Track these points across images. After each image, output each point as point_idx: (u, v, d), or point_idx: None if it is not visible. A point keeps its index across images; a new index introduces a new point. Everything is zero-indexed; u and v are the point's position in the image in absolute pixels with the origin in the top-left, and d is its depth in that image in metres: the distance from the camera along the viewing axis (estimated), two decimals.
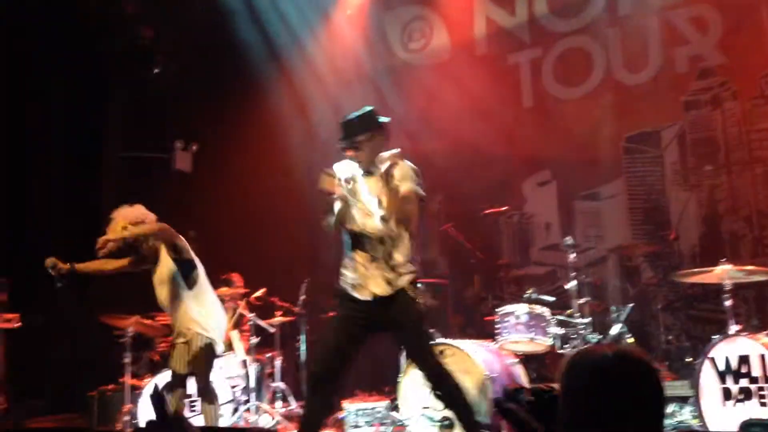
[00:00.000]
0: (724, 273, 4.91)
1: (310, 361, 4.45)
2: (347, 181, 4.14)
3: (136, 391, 6.09)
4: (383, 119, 4.17)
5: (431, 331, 4.17)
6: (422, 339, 4.17)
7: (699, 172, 7.11)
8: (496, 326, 5.64)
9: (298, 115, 8.76)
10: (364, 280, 4.06)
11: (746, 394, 4.49)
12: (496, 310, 5.77)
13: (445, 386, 4.12)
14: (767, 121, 6.93)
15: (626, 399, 1.90)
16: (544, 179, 8.07)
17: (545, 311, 5.62)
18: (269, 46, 8.66)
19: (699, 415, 4.65)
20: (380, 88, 8.62)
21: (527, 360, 5.74)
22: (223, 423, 6.10)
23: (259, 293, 7.01)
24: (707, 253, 6.68)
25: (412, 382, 5.28)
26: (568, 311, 5.74)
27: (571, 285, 5.71)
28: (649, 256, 7.05)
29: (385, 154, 4.14)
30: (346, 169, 4.18)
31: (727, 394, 4.57)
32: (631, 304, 5.97)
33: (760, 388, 4.44)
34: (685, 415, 4.96)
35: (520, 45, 8.38)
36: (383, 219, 4.05)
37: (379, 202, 4.06)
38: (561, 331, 5.62)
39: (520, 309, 5.60)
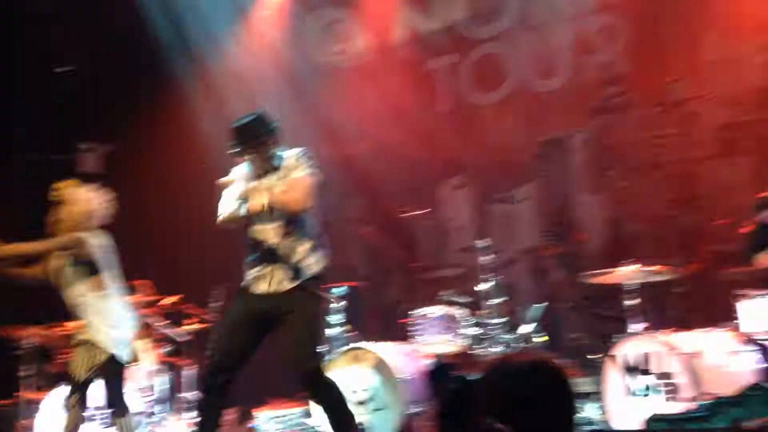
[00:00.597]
0: (627, 273, 5.14)
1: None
2: (246, 182, 4.20)
3: (32, 405, 5.82)
4: (274, 122, 4.22)
5: (320, 333, 4.20)
6: (309, 338, 4.15)
7: (605, 177, 7.41)
8: (412, 328, 5.72)
9: (216, 116, 8.60)
10: (266, 275, 4.12)
11: (647, 390, 4.70)
12: (412, 312, 5.84)
13: (322, 392, 4.16)
14: (667, 128, 7.28)
15: (539, 406, 2.02)
16: (460, 183, 8.24)
17: (460, 312, 5.74)
18: (186, 45, 8.50)
19: (603, 411, 4.84)
20: (300, 89, 8.59)
21: (442, 361, 5.82)
22: None
23: (172, 300, 6.85)
24: (612, 255, 6.95)
25: None
26: (482, 312, 5.87)
27: (485, 286, 5.84)
28: (558, 257, 7.28)
29: (288, 154, 4.20)
30: (245, 172, 4.24)
31: (629, 391, 4.77)
32: (542, 304, 6.15)
33: (660, 384, 4.65)
34: (590, 410, 5.14)
35: (437, 50, 8.52)
36: (281, 215, 4.13)
37: (281, 197, 4.13)
38: (475, 331, 5.74)
39: (435, 311, 5.70)
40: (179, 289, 6.92)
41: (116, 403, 4.72)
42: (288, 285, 4.10)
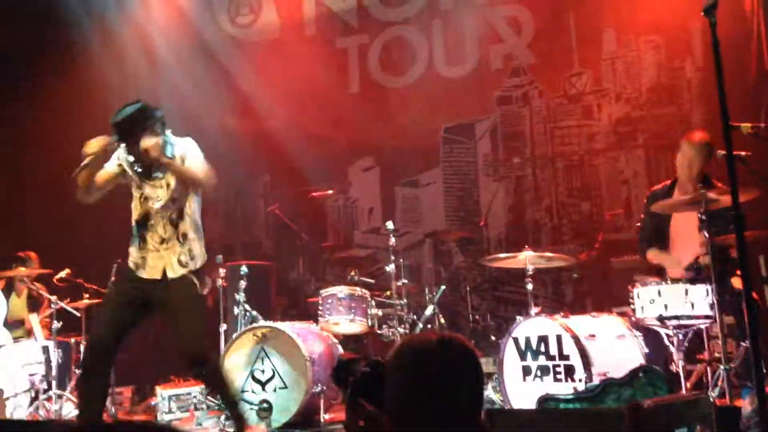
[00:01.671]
0: (526, 258, 5.32)
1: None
2: (132, 165, 4.19)
3: None
4: (157, 111, 4.18)
5: (204, 318, 4.25)
6: (196, 322, 4.19)
7: (508, 164, 7.65)
8: (319, 308, 5.72)
9: (118, 81, 8.21)
10: (154, 260, 4.13)
11: (543, 371, 4.91)
12: (319, 291, 5.85)
13: (208, 370, 4.26)
14: (569, 119, 7.58)
15: (448, 379, 2.05)
16: (369, 165, 8.28)
17: (366, 293, 5.78)
18: (89, 5, 8.05)
19: (501, 391, 5.02)
20: (210, 59, 8.34)
21: (347, 341, 5.88)
22: (19, 414, 5.69)
23: (63, 274, 6.55)
24: (512, 240, 7.22)
25: (231, 366, 5.23)
26: (387, 293, 5.94)
27: (390, 267, 5.92)
28: (460, 241, 7.48)
29: (177, 141, 4.19)
30: (120, 154, 4.23)
31: (527, 371, 4.96)
32: (443, 286, 6.30)
33: (556, 366, 4.86)
34: (489, 390, 5.32)
35: (348, 30, 8.48)
36: (173, 200, 4.16)
37: (167, 185, 4.16)
38: (380, 312, 5.81)
39: (342, 291, 5.72)
40: (74, 262, 6.63)
41: None
42: (173, 272, 4.09)
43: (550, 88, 7.68)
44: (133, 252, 4.20)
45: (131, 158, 4.16)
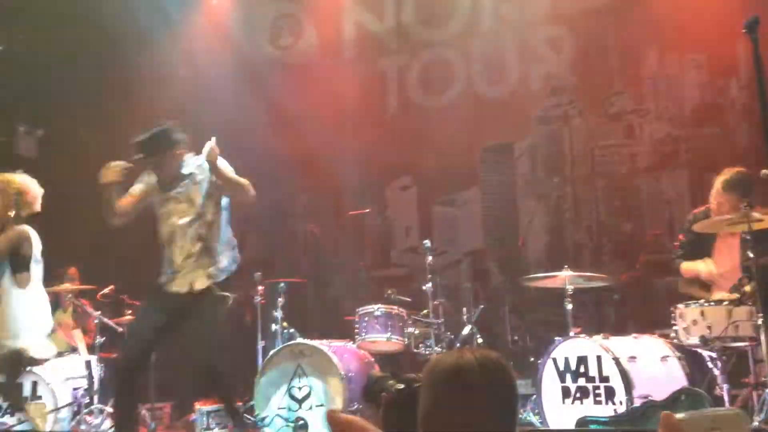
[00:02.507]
0: (566, 278, 5.26)
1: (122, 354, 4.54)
2: (159, 184, 4.35)
3: None
4: (179, 134, 4.29)
5: (223, 333, 4.30)
6: (216, 335, 4.22)
7: (547, 184, 7.59)
8: (355, 326, 5.73)
9: (163, 102, 8.39)
10: (183, 275, 4.22)
11: (583, 393, 4.83)
12: (356, 310, 5.85)
13: (219, 385, 4.33)
14: (609, 138, 7.51)
15: (482, 398, 2.02)
16: (406, 184, 8.30)
17: (402, 311, 5.77)
18: (133, 26, 8.26)
19: (540, 413, 4.95)
20: (251, 80, 8.49)
21: (384, 359, 5.86)
22: (61, 427, 5.78)
23: (106, 290, 6.69)
24: (552, 260, 7.13)
25: (269, 383, 5.26)
26: (424, 312, 5.92)
27: (428, 286, 5.89)
28: (499, 260, 7.42)
29: (199, 158, 4.28)
30: (151, 179, 4.39)
31: (566, 393, 4.89)
32: (481, 306, 6.25)
33: (596, 387, 4.78)
34: (527, 412, 5.25)
35: (387, 51, 8.56)
36: (199, 215, 4.25)
37: (191, 201, 4.28)
38: (417, 331, 5.79)
39: (378, 309, 5.71)
40: (117, 278, 6.76)
41: (10, 398, 4.58)
42: (201, 284, 4.15)
43: (590, 108, 7.63)
44: (164, 268, 4.28)
45: (154, 177, 4.29)
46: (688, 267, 5.01)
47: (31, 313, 4.62)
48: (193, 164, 4.32)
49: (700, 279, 4.97)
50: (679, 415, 2.22)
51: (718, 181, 4.81)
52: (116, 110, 8.20)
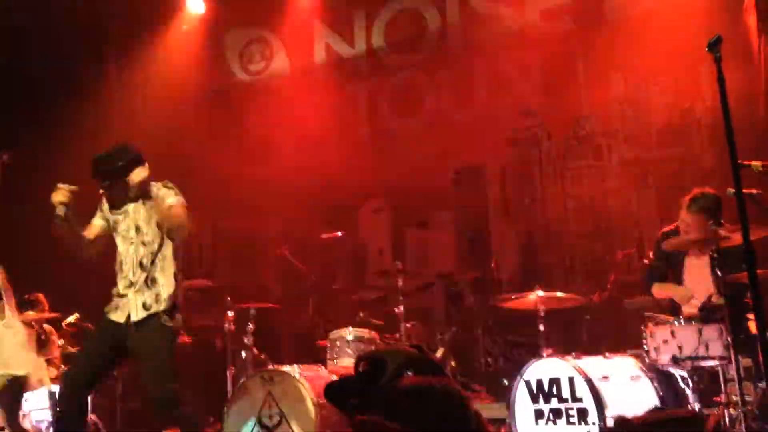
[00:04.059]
0: (537, 299, 5.26)
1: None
2: (110, 211, 4.30)
3: None
4: (135, 156, 4.26)
5: (173, 363, 4.21)
6: (161, 364, 4.15)
7: (518, 205, 7.63)
8: (327, 351, 5.66)
9: (131, 126, 8.31)
10: (122, 304, 4.17)
11: (556, 415, 4.80)
12: (328, 334, 5.79)
13: (177, 417, 4.17)
14: (579, 160, 7.58)
15: (440, 425, 1.97)
16: (378, 206, 8.30)
17: (374, 335, 5.72)
18: (99, 50, 8.21)
19: None
20: (220, 105, 8.48)
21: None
22: None
23: (71, 318, 6.55)
24: (524, 281, 7.15)
25: (238, 411, 5.16)
26: (396, 335, 5.88)
27: (400, 309, 5.86)
28: (471, 282, 7.41)
29: (153, 186, 4.25)
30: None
31: (539, 415, 4.86)
32: (453, 328, 6.22)
33: (569, 408, 4.76)
34: None
35: (357, 75, 8.61)
36: (143, 244, 4.21)
37: (137, 229, 4.23)
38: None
39: (350, 333, 5.66)
40: (81, 306, 6.63)
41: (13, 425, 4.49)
42: (136, 315, 4.10)
43: (559, 130, 7.70)
44: (112, 295, 4.24)
45: (106, 202, 4.24)
46: (661, 289, 5.03)
47: (17, 340, 4.54)
48: (147, 191, 4.26)
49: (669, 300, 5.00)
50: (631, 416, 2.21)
51: (685, 202, 4.86)
52: (83, 136, 8.11)
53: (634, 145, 7.41)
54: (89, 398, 4.23)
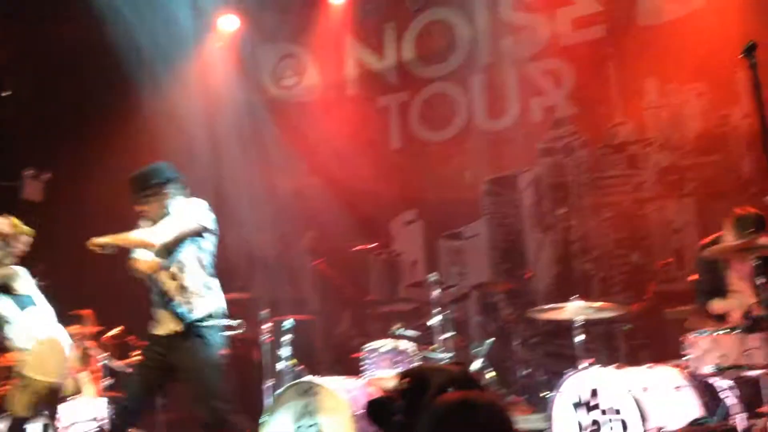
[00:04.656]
0: (575, 310, 5.21)
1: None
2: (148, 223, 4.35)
3: None
4: (170, 174, 4.34)
5: (215, 374, 4.21)
6: (207, 384, 4.15)
7: (553, 215, 7.57)
8: (363, 362, 5.67)
9: (167, 143, 8.43)
10: (161, 316, 4.23)
11: (596, 426, 4.74)
12: (363, 346, 5.79)
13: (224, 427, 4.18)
14: (614, 168, 7.50)
15: None
16: (411, 218, 8.31)
17: (410, 346, 5.71)
18: (136, 72, 8.35)
19: None
20: (254, 121, 8.57)
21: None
22: None
23: (114, 332, 6.65)
24: (560, 291, 7.08)
25: (277, 423, 5.19)
26: (432, 347, 5.86)
27: (435, 321, 5.85)
28: (507, 293, 7.37)
29: (177, 203, 4.30)
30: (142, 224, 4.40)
31: (579, 426, 4.80)
32: (490, 340, 6.18)
33: (609, 420, 4.70)
34: None
35: (388, 88, 8.65)
36: (177, 259, 4.27)
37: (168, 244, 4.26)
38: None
39: (385, 345, 5.66)
40: (124, 320, 6.73)
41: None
42: (175, 326, 4.13)
43: (593, 139, 7.63)
44: (153, 311, 4.30)
45: (144, 219, 4.31)
46: (720, 305, 4.92)
47: (55, 348, 4.64)
48: (178, 207, 4.33)
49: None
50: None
51: (728, 223, 4.79)
52: (121, 154, 8.26)
53: (670, 153, 7.31)
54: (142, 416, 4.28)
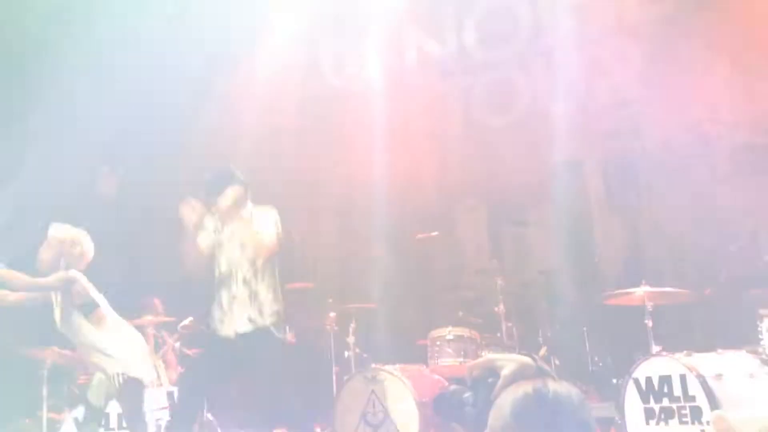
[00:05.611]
0: (645, 295, 5.08)
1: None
2: (215, 230, 4.49)
3: (56, 424, 5.83)
4: (240, 179, 4.43)
5: (285, 372, 4.27)
6: (273, 380, 4.21)
7: (622, 198, 7.37)
8: (428, 350, 5.68)
9: (232, 137, 8.58)
10: (228, 318, 4.24)
11: (667, 414, 4.63)
12: (428, 334, 5.80)
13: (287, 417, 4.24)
14: (685, 149, 7.25)
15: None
16: (474, 205, 8.23)
17: (475, 334, 5.69)
18: (200, 70, 8.52)
19: None
20: (317, 112, 8.64)
21: (458, 383, 5.76)
22: None
23: (186, 321, 6.83)
24: (630, 276, 6.89)
25: (344, 409, 5.26)
26: (497, 334, 5.82)
27: (500, 308, 5.80)
28: (574, 279, 7.22)
29: (251, 206, 4.37)
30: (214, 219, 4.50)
31: (650, 414, 4.69)
32: (557, 327, 6.09)
33: (681, 408, 4.58)
34: None
35: (450, 73, 8.56)
36: (246, 259, 4.39)
37: (242, 245, 4.38)
38: (490, 353, 5.68)
39: (450, 332, 5.65)
40: (196, 309, 6.91)
41: (134, 426, 4.71)
42: (242, 329, 4.19)
43: (662, 119, 7.39)
44: (215, 311, 4.36)
45: (214, 220, 4.40)
46: None
47: (127, 345, 4.77)
48: (255, 212, 4.41)
49: None
50: (732, 416, 2.08)
51: None
52: (190, 149, 8.48)
53: (744, 131, 7.01)
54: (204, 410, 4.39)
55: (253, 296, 4.33)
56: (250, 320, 4.29)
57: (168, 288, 7.12)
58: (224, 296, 4.37)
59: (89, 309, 4.67)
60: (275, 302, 4.37)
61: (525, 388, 1.99)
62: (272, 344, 4.29)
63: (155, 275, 7.71)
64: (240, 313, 4.31)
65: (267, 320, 4.30)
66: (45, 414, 5.86)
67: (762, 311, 4.55)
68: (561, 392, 1.96)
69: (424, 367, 5.68)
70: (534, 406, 1.91)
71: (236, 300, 4.33)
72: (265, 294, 4.34)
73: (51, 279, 4.60)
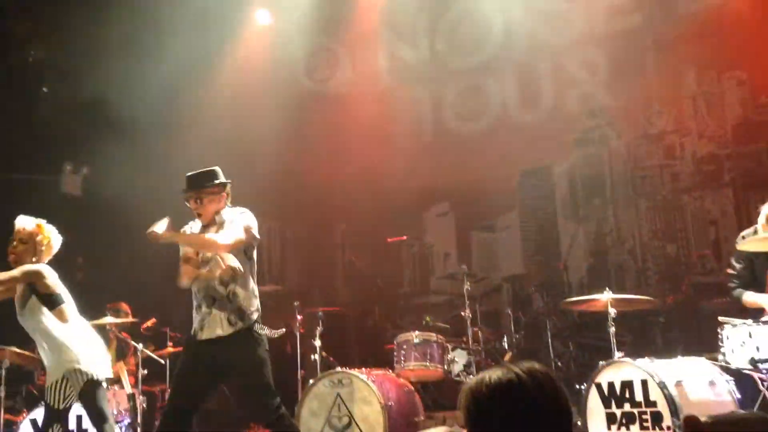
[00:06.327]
0: (608, 302, 5.14)
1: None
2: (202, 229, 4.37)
3: (12, 426, 5.72)
4: (224, 180, 4.37)
5: (268, 374, 4.23)
6: (261, 384, 4.18)
7: (587, 207, 7.47)
8: (395, 354, 5.68)
9: (202, 137, 8.52)
10: (209, 322, 4.21)
11: (629, 419, 4.68)
12: (395, 337, 5.80)
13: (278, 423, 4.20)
14: (650, 159, 7.38)
15: (536, 415, 1.91)
16: (443, 210, 8.28)
17: (441, 339, 5.70)
18: (170, 66, 8.43)
19: None
20: (287, 112, 8.61)
21: (424, 387, 5.78)
22: None
23: (149, 323, 6.76)
24: (594, 283, 7.00)
25: (309, 413, 5.23)
26: (463, 338, 5.84)
27: (467, 313, 5.82)
28: (540, 285, 7.30)
29: (228, 210, 4.33)
30: (191, 224, 4.42)
31: (611, 419, 4.74)
32: (521, 332, 6.14)
33: (642, 413, 4.63)
34: None
35: (422, 79, 8.61)
36: (223, 261, 4.24)
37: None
38: (456, 358, 5.71)
39: (417, 337, 5.66)
40: (159, 311, 6.84)
41: (100, 425, 4.62)
42: (223, 331, 4.16)
43: (629, 129, 7.52)
44: (194, 316, 4.32)
45: (196, 225, 4.35)
46: (753, 300, 4.77)
47: (87, 342, 4.68)
48: (228, 214, 4.38)
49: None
50: (704, 418, 2.11)
51: (763, 213, 4.64)
52: (157, 149, 8.39)
53: (708, 142, 7.16)
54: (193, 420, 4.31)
55: (232, 296, 4.26)
56: (230, 322, 4.22)
57: (130, 290, 7.04)
58: (203, 300, 4.30)
59: (53, 304, 4.58)
60: (253, 303, 4.31)
61: (502, 374, 1.98)
62: (257, 347, 4.23)
63: (118, 277, 7.62)
64: (220, 314, 4.24)
65: (247, 322, 4.24)
66: (2, 416, 5.74)
67: (722, 319, 4.62)
68: (537, 376, 1.97)
69: (390, 371, 5.68)
70: (508, 392, 1.91)
71: (216, 302, 4.27)
72: (244, 295, 4.28)
73: (16, 272, 4.51)
